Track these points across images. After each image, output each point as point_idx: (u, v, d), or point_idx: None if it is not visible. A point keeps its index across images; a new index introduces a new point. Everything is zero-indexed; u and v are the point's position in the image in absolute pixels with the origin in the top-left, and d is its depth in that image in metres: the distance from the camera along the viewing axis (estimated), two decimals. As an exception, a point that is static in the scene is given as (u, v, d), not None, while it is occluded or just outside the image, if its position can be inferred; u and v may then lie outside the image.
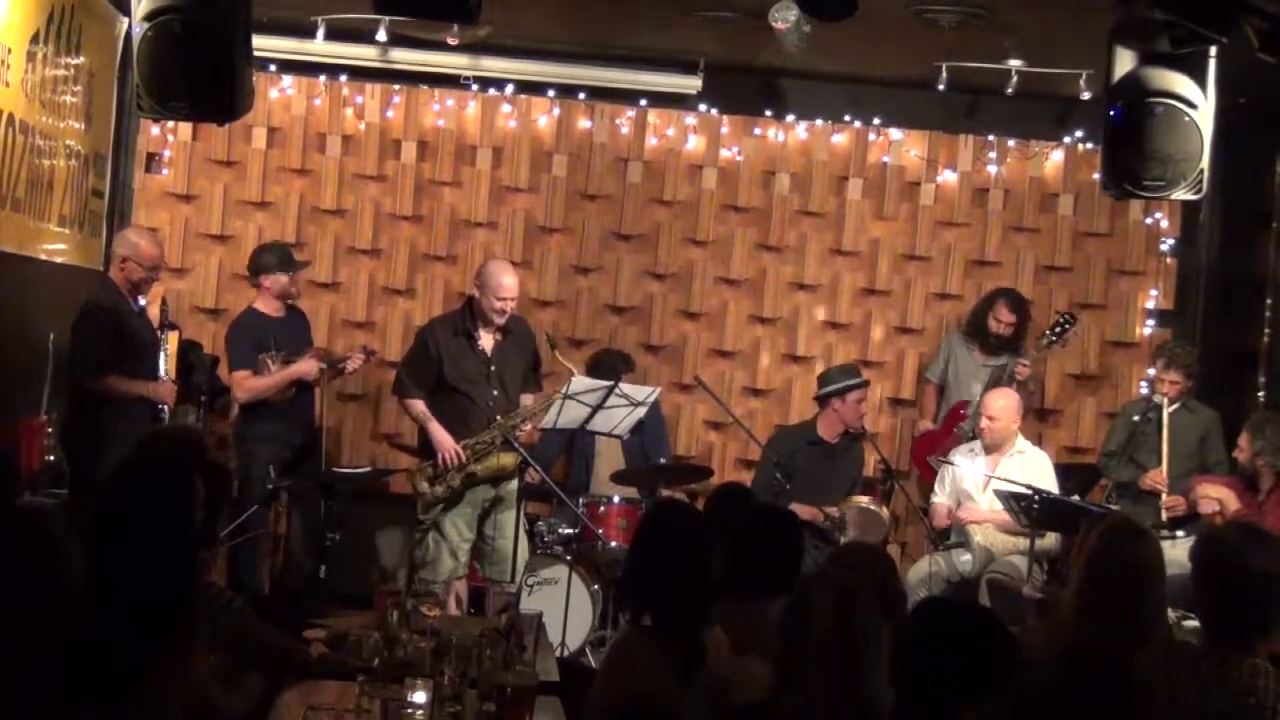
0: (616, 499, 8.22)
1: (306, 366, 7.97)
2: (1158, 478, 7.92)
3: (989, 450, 8.11)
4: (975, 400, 8.53)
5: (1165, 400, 8.02)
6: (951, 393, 8.87)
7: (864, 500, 8.16)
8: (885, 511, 8.14)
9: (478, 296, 7.67)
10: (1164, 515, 7.74)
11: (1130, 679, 2.87)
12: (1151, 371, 8.59)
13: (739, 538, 4.60)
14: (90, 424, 6.95)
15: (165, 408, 7.16)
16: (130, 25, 6.28)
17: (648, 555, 4.26)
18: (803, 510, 8.06)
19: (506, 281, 7.63)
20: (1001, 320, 8.68)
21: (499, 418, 7.55)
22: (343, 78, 9.11)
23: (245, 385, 7.90)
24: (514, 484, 7.65)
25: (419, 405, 7.66)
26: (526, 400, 7.80)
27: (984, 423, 8.08)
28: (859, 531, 7.95)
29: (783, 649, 3.49)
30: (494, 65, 9.03)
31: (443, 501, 7.62)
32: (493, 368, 7.66)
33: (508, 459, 7.59)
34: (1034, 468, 8.04)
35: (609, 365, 8.48)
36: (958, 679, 3.20)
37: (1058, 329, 8.55)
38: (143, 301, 7.40)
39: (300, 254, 8.89)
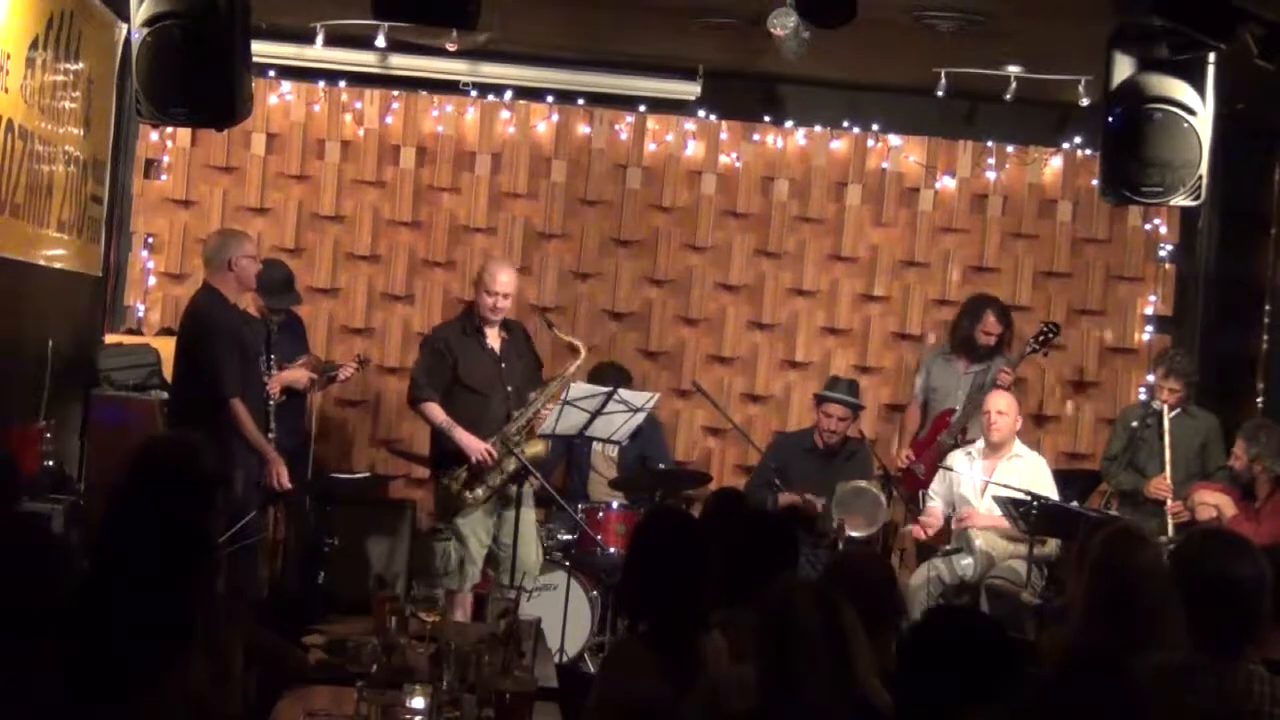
0: (615, 505, 8.22)
1: (297, 374, 7.94)
2: (1161, 485, 7.90)
3: (994, 448, 8.11)
4: (960, 408, 8.55)
5: (1165, 407, 8.02)
6: (934, 407, 8.83)
7: (860, 482, 8.17)
8: (881, 496, 8.14)
9: (475, 295, 7.72)
10: (1170, 522, 7.73)
11: (1127, 686, 2.87)
12: (1151, 378, 8.59)
13: (736, 544, 4.60)
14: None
15: (278, 475, 7.20)
16: (129, 31, 6.28)
17: (642, 562, 4.26)
18: (787, 497, 8.12)
19: (501, 276, 7.64)
20: (991, 332, 8.67)
21: (515, 413, 7.54)
22: (342, 83, 9.12)
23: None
24: (527, 489, 7.65)
25: (438, 412, 7.60)
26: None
27: (993, 418, 8.08)
28: (850, 512, 7.98)
29: (769, 657, 3.48)
30: (493, 71, 9.03)
31: (466, 506, 7.58)
32: (503, 365, 7.68)
33: (537, 448, 7.61)
34: (1031, 472, 8.05)
35: (606, 379, 8.48)
36: (962, 687, 3.20)
37: (1041, 338, 8.54)
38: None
39: (299, 260, 8.90)
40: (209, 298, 7.33)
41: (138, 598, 3.20)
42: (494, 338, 7.71)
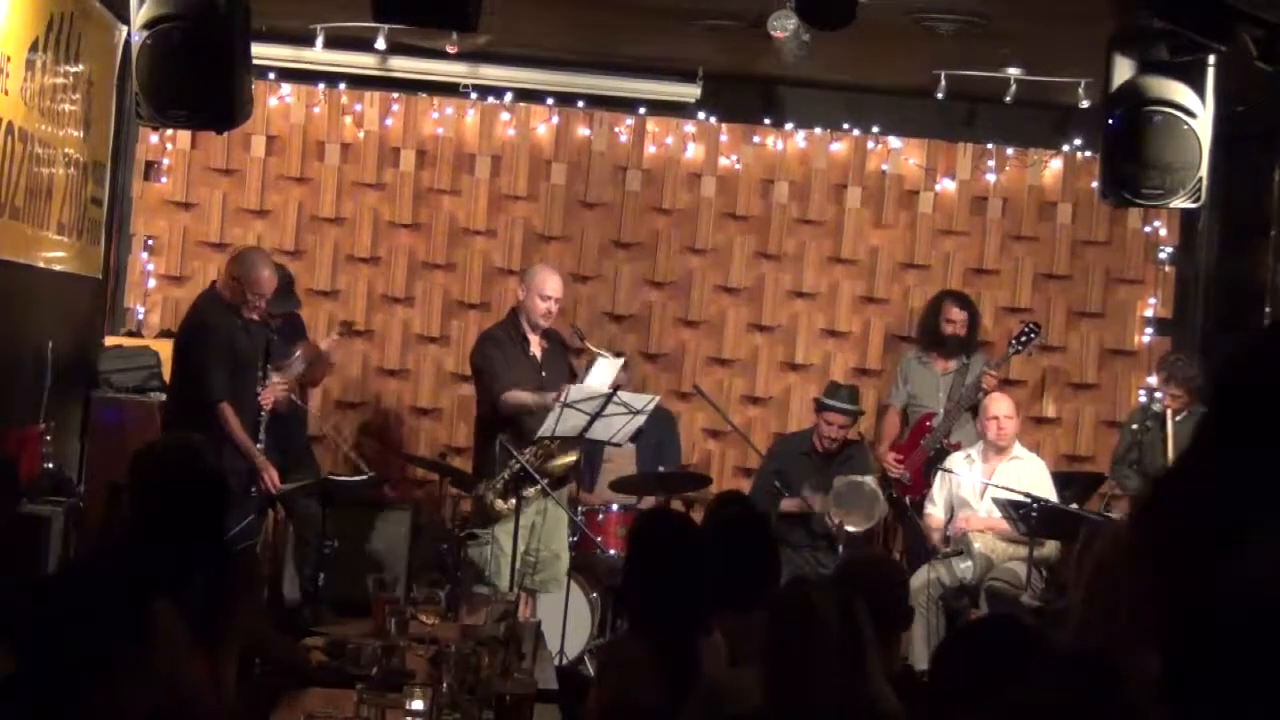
0: (615, 507, 8.21)
1: (274, 394, 7.54)
2: None
3: (995, 451, 8.11)
4: (941, 411, 8.55)
5: (1170, 412, 8.01)
6: (915, 411, 8.81)
7: (856, 477, 8.17)
8: (878, 490, 8.14)
9: (522, 298, 7.68)
10: None
11: (1121, 690, 2.86)
12: (1151, 380, 8.58)
13: (737, 547, 4.60)
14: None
15: (268, 481, 7.26)
16: (129, 33, 6.28)
17: (641, 565, 4.26)
18: (790, 504, 8.12)
19: (552, 281, 7.65)
20: (954, 320, 8.69)
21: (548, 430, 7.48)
22: (342, 86, 9.12)
23: None
24: (560, 494, 7.63)
25: (520, 394, 7.46)
26: None
27: (1001, 423, 8.06)
28: (848, 507, 7.98)
29: (782, 656, 3.47)
30: (493, 73, 9.03)
31: (507, 517, 7.53)
32: (544, 373, 7.66)
33: (570, 458, 7.59)
34: (1031, 474, 8.05)
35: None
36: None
37: (1023, 338, 8.53)
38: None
39: (299, 262, 8.89)
40: (208, 300, 7.39)
41: (139, 598, 3.20)
42: (536, 345, 7.70)
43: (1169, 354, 8.68)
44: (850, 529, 7.96)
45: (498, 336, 7.74)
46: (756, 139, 9.33)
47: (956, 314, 8.70)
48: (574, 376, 7.79)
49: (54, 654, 2.83)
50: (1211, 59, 6.16)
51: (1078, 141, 9.22)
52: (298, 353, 8.01)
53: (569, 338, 8.05)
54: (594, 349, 7.81)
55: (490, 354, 7.67)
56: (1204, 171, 6.23)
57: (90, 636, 2.85)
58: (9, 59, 6.50)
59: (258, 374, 7.37)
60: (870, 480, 8.19)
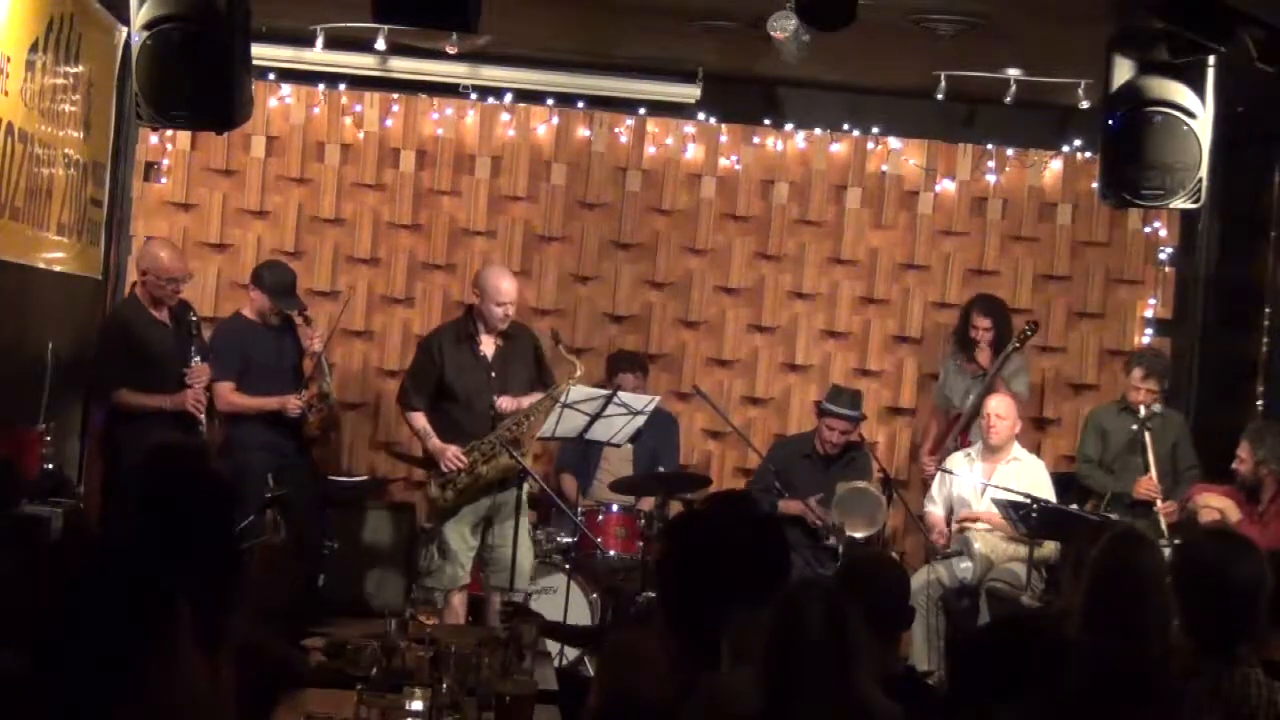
0: (615, 507, 8.20)
1: (284, 402, 7.84)
2: (1150, 485, 7.89)
3: (993, 451, 8.12)
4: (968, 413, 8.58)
5: (1143, 408, 8.04)
6: (951, 413, 8.85)
7: (859, 483, 8.16)
8: (881, 497, 8.13)
9: (478, 304, 7.67)
10: (1163, 523, 7.71)
11: (1123, 689, 2.87)
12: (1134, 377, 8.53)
13: (741, 546, 4.57)
14: (113, 436, 7.48)
15: (201, 418, 7.41)
16: (129, 34, 6.28)
17: (702, 554, 4.19)
18: (790, 506, 8.12)
19: (504, 285, 7.63)
20: (979, 327, 8.70)
21: (504, 422, 7.51)
22: (342, 86, 9.11)
23: (225, 399, 7.82)
24: (514, 492, 7.61)
25: (420, 420, 7.67)
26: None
27: (993, 421, 8.08)
28: (851, 512, 7.98)
29: (774, 659, 3.47)
30: (493, 74, 9.03)
31: (451, 509, 7.59)
32: (493, 374, 7.65)
33: (506, 460, 7.56)
34: (1030, 475, 8.06)
35: (625, 362, 8.61)
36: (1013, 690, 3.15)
37: (1020, 335, 8.54)
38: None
39: (299, 262, 8.87)
40: (122, 301, 7.89)
41: (143, 598, 3.20)
42: (488, 344, 7.67)
43: (1143, 349, 8.72)
44: (853, 534, 7.96)
45: (439, 340, 7.77)
46: (756, 139, 9.32)
47: (982, 321, 8.69)
48: (541, 377, 7.75)
49: (82, 658, 2.82)
50: (1211, 60, 6.16)
51: (1078, 142, 9.22)
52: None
53: (545, 338, 8.00)
54: (566, 354, 7.78)
55: (415, 364, 7.85)
56: (1204, 172, 6.23)
57: (119, 639, 2.84)
58: (9, 59, 6.50)
59: (177, 377, 7.47)
60: (874, 487, 8.19)
